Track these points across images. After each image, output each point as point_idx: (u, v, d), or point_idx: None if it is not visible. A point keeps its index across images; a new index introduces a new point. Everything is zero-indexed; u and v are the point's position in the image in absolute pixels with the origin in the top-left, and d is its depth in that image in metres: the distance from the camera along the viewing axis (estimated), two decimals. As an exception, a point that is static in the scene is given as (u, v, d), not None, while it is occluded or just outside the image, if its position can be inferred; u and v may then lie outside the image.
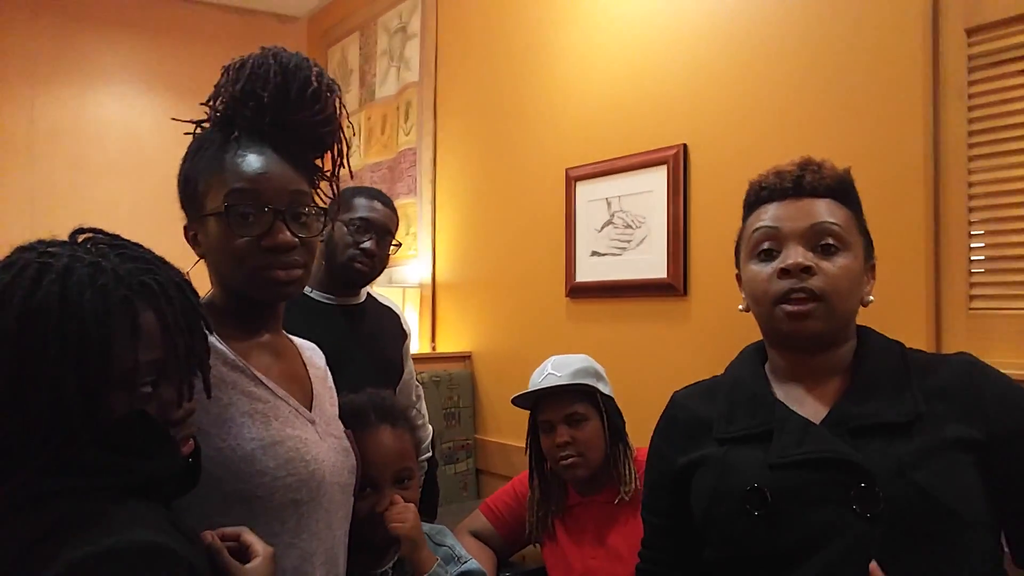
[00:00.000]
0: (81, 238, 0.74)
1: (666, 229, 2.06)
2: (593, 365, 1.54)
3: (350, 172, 0.93)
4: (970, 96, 1.49)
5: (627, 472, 1.45)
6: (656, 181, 2.10)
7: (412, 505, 1.09)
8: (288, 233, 0.85)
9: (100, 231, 0.76)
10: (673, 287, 2.04)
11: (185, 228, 0.91)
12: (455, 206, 2.95)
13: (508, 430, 2.64)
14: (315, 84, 0.85)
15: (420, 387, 1.96)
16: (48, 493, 0.63)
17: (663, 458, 1.02)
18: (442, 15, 3.04)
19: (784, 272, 0.89)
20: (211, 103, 0.88)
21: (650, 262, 2.11)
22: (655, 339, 2.10)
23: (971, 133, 1.49)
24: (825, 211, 0.92)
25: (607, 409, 1.48)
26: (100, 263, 0.70)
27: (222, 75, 0.87)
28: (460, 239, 2.92)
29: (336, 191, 0.93)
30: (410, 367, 1.88)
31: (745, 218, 1.02)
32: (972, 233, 1.49)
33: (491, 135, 2.76)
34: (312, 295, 1.65)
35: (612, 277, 2.23)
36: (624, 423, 1.53)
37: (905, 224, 1.54)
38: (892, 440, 0.82)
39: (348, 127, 0.92)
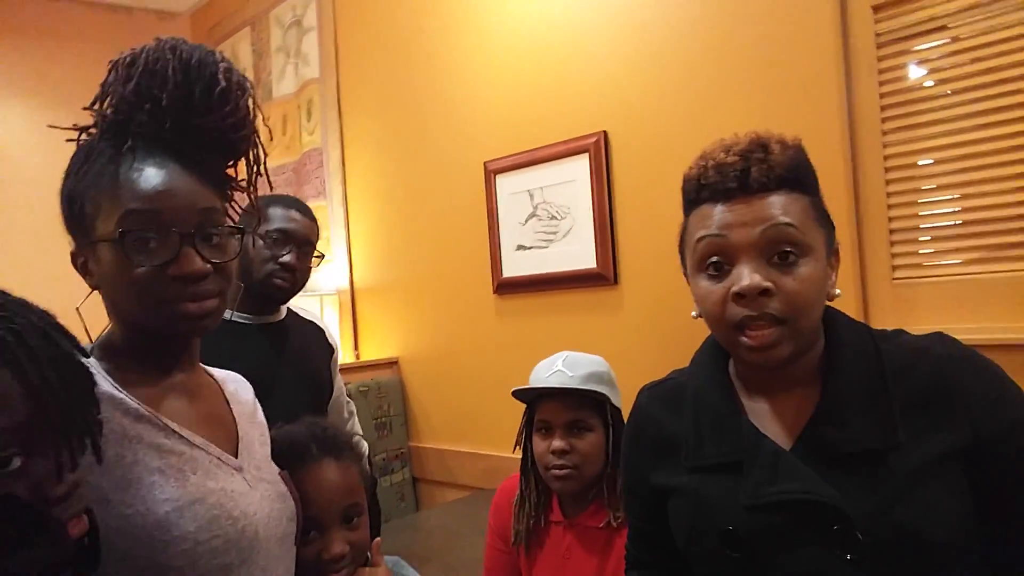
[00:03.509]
0: None
1: (592, 218, 2.03)
2: (608, 371, 1.37)
3: (268, 182, 0.82)
4: (880, 71, 1.53)
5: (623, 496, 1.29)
6: (578, 170, 2.06)
7: (380, 570, 0.98)
8: (199, 260, 0.72)
9: None
10: (603, 276, 2.01)
11: (73, 255, 0.77)
12: (369, 207, 2.82)
13: (444, 435, 2.55)
14: (223, 83, 0.73)
15: (352, 403, 1.85)
16: None
17: (635, 469, 0.96)
18: (339, 5, 2.89)
19: (739, 296, 0.77)
20: (97, 106, 0.74)
21: (578, 253, 2.08)
22: (588, 330, 2.07)
23: (883, 108, 1.53)
24: (779, 210, 0.78)
25: (614, 422, 1.32)
26: None
27: (109, 72, 0.73)
28: (377, 241, 2.80)
29: (255, 204, 0.82)
30: (339, 383, 1.77)
31: (686, 213, 0.88)
32: (890, 204, 1.53)
33: (402, 130, 2.65)
34: (228, 316, 1.51)
35: (540, 270, 2.19)
36: None
37: (827, 200, 1.55)
38: (871, 469, 0.75)
39: (264, 129, 0.80)
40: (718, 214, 0.81)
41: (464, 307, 2.44)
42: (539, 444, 1.34)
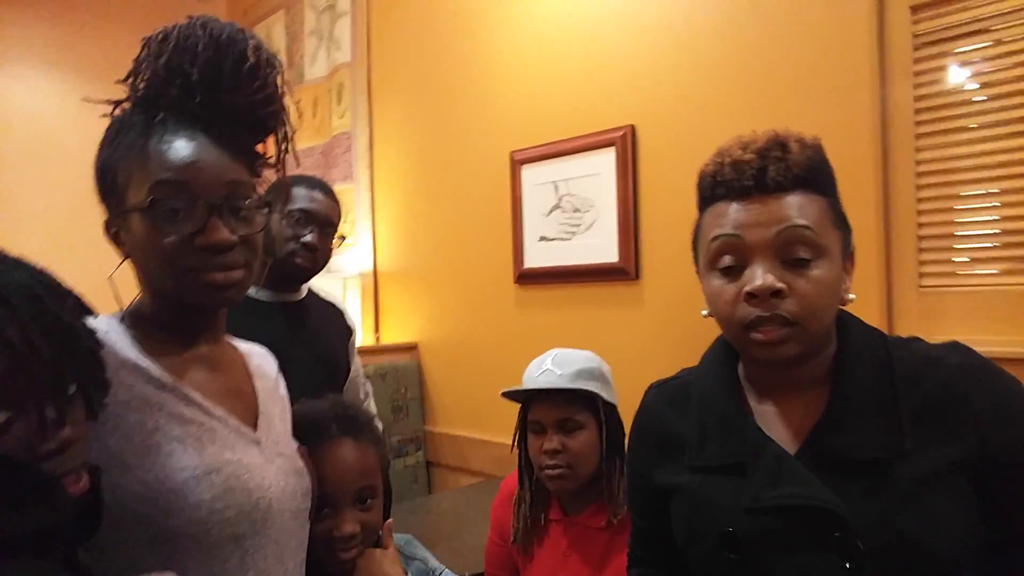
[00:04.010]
0: None
1: (616, 212, 2.02)
2: (599, 366, 1.35)
3: (296, 158, 0.83)
4: (915, 74, 1.50)
5: (621, 492, 1.27)
6: (604, 163, 2.05)
7: (390, 551, 0.99)
8: (225, 230, 0.74)
9: None
10: (625, 271, 2.00)
11: (105, 224, 0.79)
12: (395, 192, 2.84)
13: (458, 421, 2.57)
14: (252, 59, 0.74)
15: (368, 383, 1.87)
16: None
17: (639, 466, 0.96)
18: (374, -8, 2.91)
19: (751, 296, 0.77)
20: (130, 80, 0.76)
21: (600, 246, 2.08)
22: (608, 325, 2.06)
23: (917, 111, 1.50)
24: (795, 211, 0.77)
25: (607, 418, 1.31)
26: None
27: (142, 48, 0.75)
28: (401, 226, 2.82)
29: (284, 179, 0.83)
30: (357, 365, 1.79)
31: (700, 210, 0.87)
32: (920, 210, 1.50)
33: (430, 117, 2.66)
34: (249, 293, 1.53)
35: (562, 262, 2.18)
36: (624, 435, 1.31)
37: (855, 204, 1.51)
38: (875, 478, 0.74)
39: (293, 107, 0.81)
40: (733, 213, 0.80)
41: (484, 295, 2.45)
42: (533, 444, 1.34)
